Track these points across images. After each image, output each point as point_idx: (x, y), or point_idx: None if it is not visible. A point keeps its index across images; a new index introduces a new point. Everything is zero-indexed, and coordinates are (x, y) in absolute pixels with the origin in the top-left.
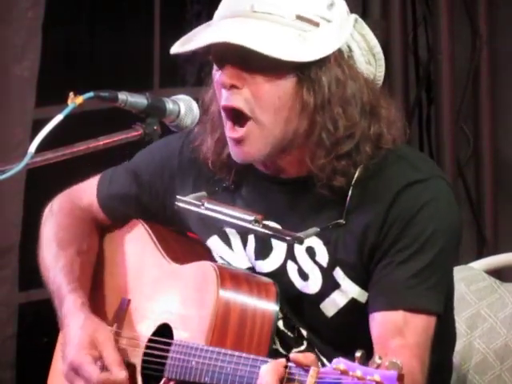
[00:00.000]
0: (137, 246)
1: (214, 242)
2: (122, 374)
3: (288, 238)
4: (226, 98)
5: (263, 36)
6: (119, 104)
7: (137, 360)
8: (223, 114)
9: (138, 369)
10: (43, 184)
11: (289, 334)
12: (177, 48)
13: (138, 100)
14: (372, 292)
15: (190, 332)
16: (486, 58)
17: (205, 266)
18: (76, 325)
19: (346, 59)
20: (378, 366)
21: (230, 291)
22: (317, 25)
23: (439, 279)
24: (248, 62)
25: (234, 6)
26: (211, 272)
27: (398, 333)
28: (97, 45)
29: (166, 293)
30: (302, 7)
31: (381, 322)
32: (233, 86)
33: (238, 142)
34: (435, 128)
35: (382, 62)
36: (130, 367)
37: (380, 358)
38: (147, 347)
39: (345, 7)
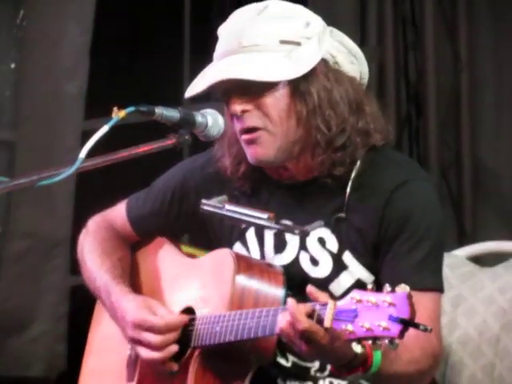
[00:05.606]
0: (160, 255)
1: (237, 249)
2: (179, 317)
3: (296, 231)
4: (241, 122)
5: (254, 65)
6: (156, 117)
7: None
8: (239, 133)
9: None
10: (91, 186)
11: None
12: (188, 92)
13: (172, 114)
14: (385, 281)
15: (211, 308)
16: (466, 78)
17: (222, 252)
18: (129, 301)
19: (331, 66)
20: (389, 292)
21: (244, 273)
22: (298, 44)
23: (439, 263)
24: (248, 89)
25: (225, 46)
26: (228, 256)
27: None
28: (135, 67)
29: (186, 284)
30: (283, 32)
31: None
32: (243, 111)
33: (252, 142)
34: (423, 138)
35: (363, 60)
36: None
37: (390, 286)
38: None
39: (321, 23)
